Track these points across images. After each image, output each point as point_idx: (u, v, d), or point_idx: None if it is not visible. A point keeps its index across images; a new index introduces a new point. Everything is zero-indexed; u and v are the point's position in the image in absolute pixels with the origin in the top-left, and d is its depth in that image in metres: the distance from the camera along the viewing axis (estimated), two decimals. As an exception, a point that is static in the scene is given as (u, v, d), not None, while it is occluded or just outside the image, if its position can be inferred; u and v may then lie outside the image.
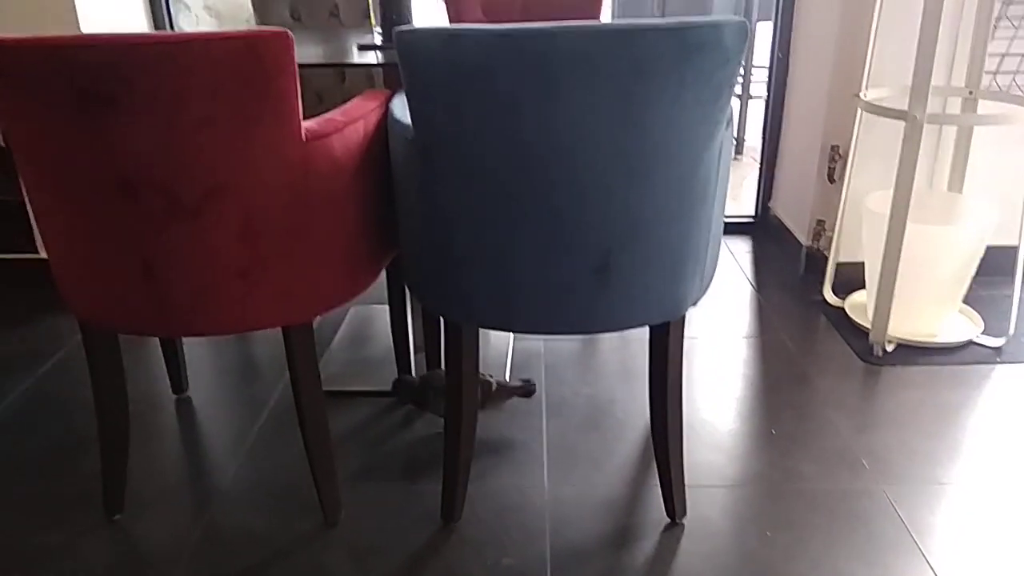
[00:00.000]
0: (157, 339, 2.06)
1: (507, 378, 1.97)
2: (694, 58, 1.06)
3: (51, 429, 1.81)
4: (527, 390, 1.80)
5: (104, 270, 1.26)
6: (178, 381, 1.92)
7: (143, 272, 1.23)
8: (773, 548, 1.42)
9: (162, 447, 1.74)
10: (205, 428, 1.81)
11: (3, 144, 2.37)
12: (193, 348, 2.12)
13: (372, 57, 1.67)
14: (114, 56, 1.08)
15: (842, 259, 2.37)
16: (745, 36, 1.09)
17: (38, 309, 2.40)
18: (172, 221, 1.19)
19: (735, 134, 3.84)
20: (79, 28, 2.21)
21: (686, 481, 1.51)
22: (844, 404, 1.84)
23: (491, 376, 1.74)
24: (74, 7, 2.19)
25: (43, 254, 2.51)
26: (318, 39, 2.00)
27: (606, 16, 2.60)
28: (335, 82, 2.43)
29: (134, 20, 2.48)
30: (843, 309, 2.28)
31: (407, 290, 1.90)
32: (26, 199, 2.41)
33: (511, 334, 2.17)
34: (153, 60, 1.08)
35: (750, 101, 4.00)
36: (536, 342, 2.14)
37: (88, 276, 1.29)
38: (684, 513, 1.49)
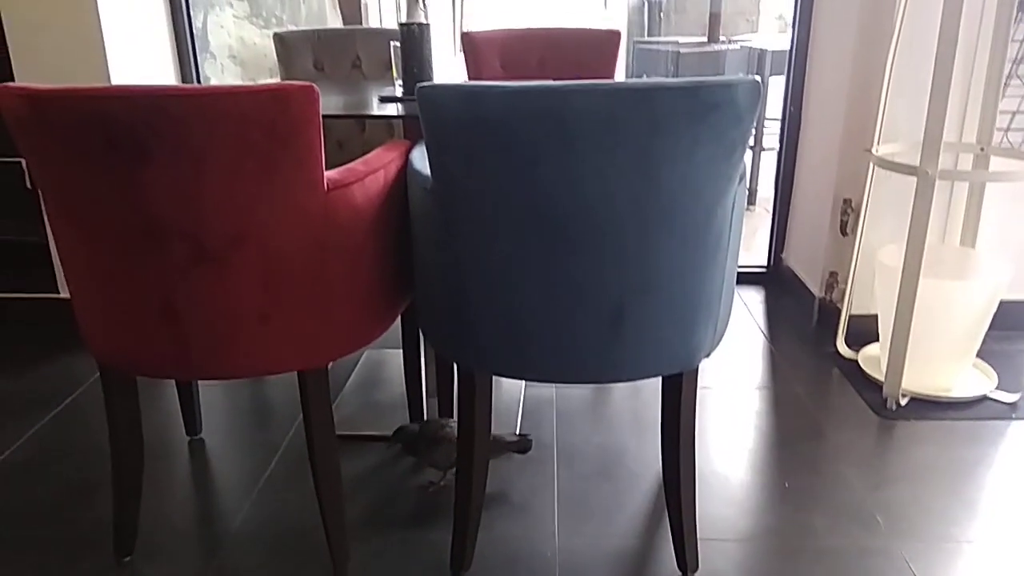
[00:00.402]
0: (173, 381, 2.07)
1: (518, 425, 1.97)
2: (708, 117, 1.09)
3: (65, 470, 1.82)
4: (522, 447, 1.77)
5: (127, 313, 1.28)
6: (192, 423, 1.93)
7: (165, 316, 1.25)
8: (786, 605, 1.40)
9: (174, 489, 1.75)
10: (217, 471, 1.82)
11: (29, 186, 2.43)
12: (207, 390, 2.14)
13: (393, 109, 1.72)
14: (145, 107, 1.12)
15: (855, 311, 2.37)
16: (758, 95, 1.12)
17: (56, 349, 2.43)
18: (196, 267, 1.22)
19: (748, 185, 3.87)
20: (109, 77, 2.27)
21: (698, 534, 1.50)
22: (858, 458, 1.82)
23: None
24: (105, 58, 2.26)
25: (63, 294, 2.54)
26: (341, 90, 2.05)
27: (620, 72, 2.65)
28: (356, 131, 2.48)
29: (162, 67, 2.55)
30: (856, 362, 2.27)
31: (421, 335, 1.91)
32: (50, 241, 2.46)
33: (523, 381, 2.17)
34: (183, 111, 1.12)
35: (763, 153, 4.05)
36: (548, 389, 2.15)
37: (110, 319, 1.31)
38: (696, 567, 1.47)
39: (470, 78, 2.58)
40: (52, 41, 2.26)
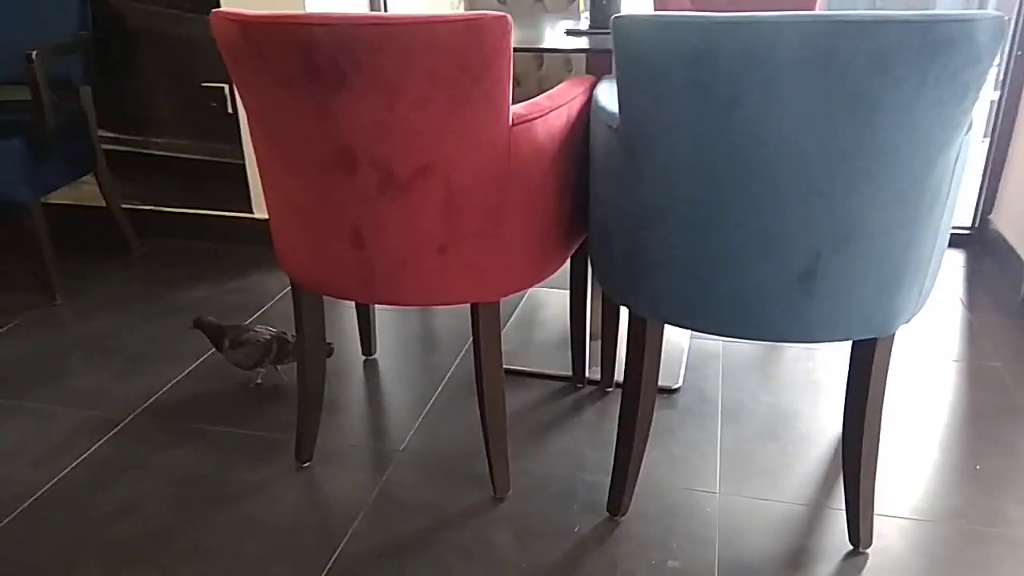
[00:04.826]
0: (353, 304, 2.18)
1: (681, 376, 1.92)
2: (940, 55, 0.97)
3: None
4: (328, 350, 1.88)
5: (318, 236, 1.35)
6: (368, 344, 2.03)
7: (353, 241, 1.30)
8: (970, 596, 1.29)
9: (349, 405, 1.85)
10: (388, 391, 1.91)
11: (231, 111, 2.60)
12: (382, 314, 2.24)
13: (581, 42, 1.67)
14: (345, 34, 1.14)
15: (1076, 285, 2.11)
16: (1002, 34, 0.98)
17: (249, 265, 2.62)
18: (383, 195, 1.25)
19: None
20: (304, 3, 2.36)
21: (874, 509, 1.41)
22: (1066, 448, 1.64)
23: (285, 333, 1.87)
24: (302, -12, 2.34)
25: (258, 214, 2.73)
26: (523, 23, 2.02)
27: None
28: (533, 67, 2.45)
29: None
30: (1072, 341, 2.03)
31: (590, 277, 1.89)
32: (247, 163, 2.63)
33: (689, 331, 2.11)
34: (380, 40, 1.13)
35: (974, 101, 3.64)
36: (715, 342, 2.07)
37: (303, 240, 1.38)
38: (869, 543, 1.39)
39: (655, 12, 2.47)
40: (255, -29, 2.36)
